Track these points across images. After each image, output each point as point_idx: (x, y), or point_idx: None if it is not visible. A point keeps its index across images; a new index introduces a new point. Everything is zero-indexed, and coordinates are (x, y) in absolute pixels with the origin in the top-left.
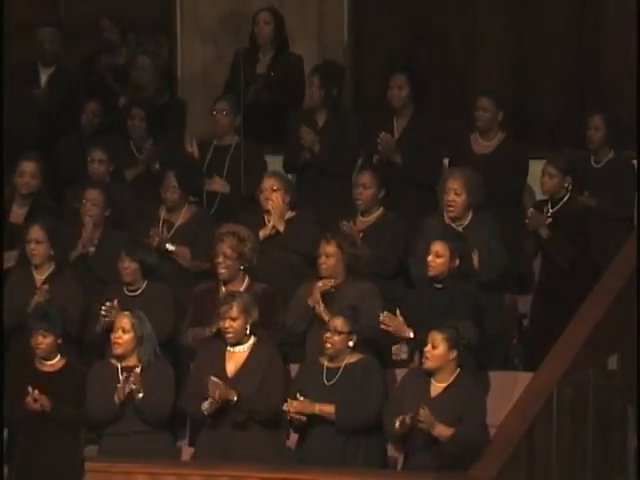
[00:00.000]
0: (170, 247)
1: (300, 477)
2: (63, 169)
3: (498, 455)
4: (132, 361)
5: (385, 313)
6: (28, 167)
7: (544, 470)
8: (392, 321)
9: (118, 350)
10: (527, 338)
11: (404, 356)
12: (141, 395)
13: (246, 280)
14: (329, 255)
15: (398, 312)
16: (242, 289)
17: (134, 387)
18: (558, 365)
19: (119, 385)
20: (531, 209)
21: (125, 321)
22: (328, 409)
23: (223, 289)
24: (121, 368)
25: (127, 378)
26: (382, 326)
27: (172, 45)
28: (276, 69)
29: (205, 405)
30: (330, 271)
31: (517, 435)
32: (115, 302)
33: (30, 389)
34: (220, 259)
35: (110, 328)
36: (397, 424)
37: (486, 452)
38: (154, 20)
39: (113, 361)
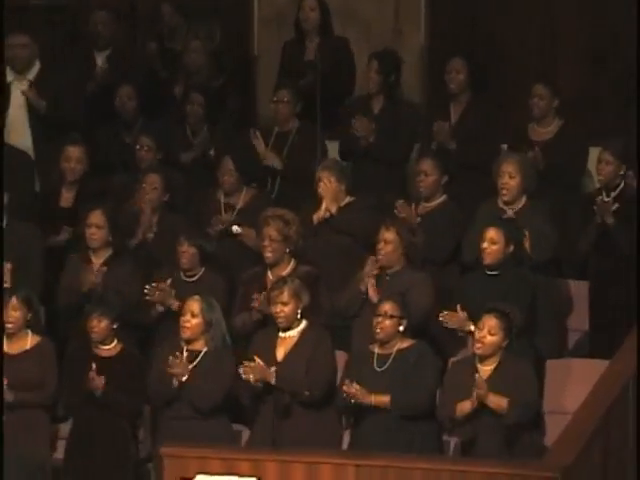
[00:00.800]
0: (237, 229)
1: (374, 463)
2: (108, 154)
3: (573, 442)
4: (199, 345)
5: (445, 313)
6: (74, 152)
7: (619, 457)
8: (452, 317)
9: (186, 333)
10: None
11: None
12: (184, 378)
13: (291, 263)
14: (388, 242)
15: (459, 308)
16: (287, 272)
17: (177, 370)
18: (635, 352)
19: (170, 362)
20: (600, 197)
21: (195, 305)
22: (383, 399)
23: (269, 273)
24: (187, 350)
25: (179, 357)
26: (443, 324)
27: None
28: (324, 54)
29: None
30: (388, 258)
31: (593, 422)
32: (161, 284)
33: (93, 366)
34: (266, 242)
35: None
36: (459, 409)
37: (561, 439)
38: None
39: (181, 343)
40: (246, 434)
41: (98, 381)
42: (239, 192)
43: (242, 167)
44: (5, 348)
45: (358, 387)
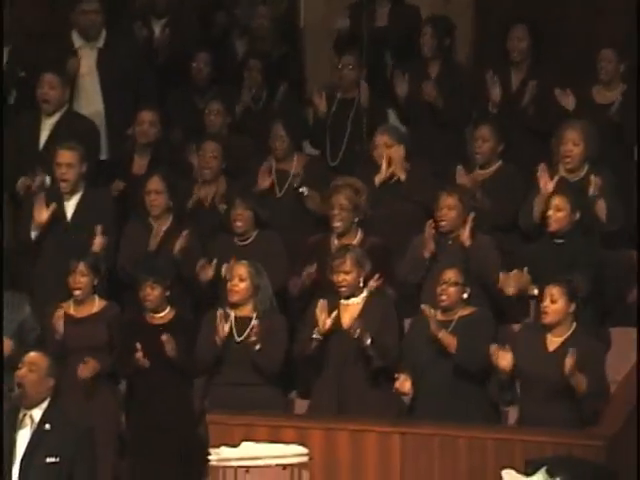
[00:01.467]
0: (305, 191)
1: (419, 431)
2: (177, 120)
3: (619, 411)
4: (247, 310)
5: (513, 272)
6: (147, 116)
7: None
8: (515, 278)
9: (234, 298)
10: None
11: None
12: (258, 347)
13: (359, 233)
14: (450, 207)
15: (525, 270)
16: (355, 242)
17: (253, 339)
18: None
19: (222, 330)
20: None
21: (242, 270)
22: (451, 340)
23: (336, 241)
24: (235, 317)
25: (226, 318)
26: (506, 287)
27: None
28: (394, 21)
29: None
30: (451, 224)
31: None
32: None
33: (138, 345)
34: (336, 211)
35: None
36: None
37: (607, 408)
38: None
39: (227, 309)
40: (298, 402)
41: (170, 346)
42: (291, 157)
43: (294, 133)
44: (72, 312)
45: (432, 320)
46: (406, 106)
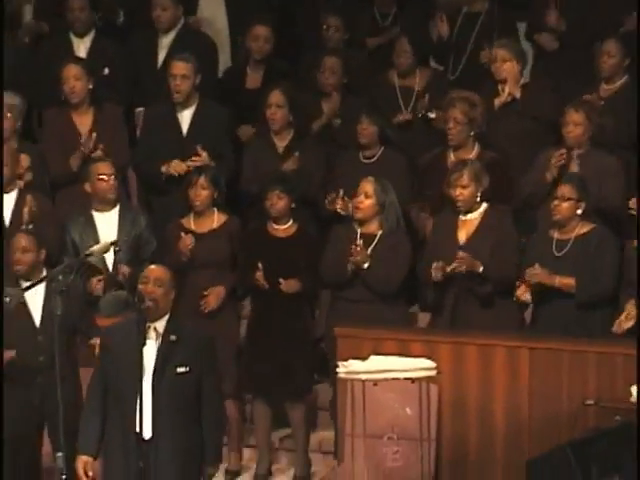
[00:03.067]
0: (432, 114)
1: (548, 346)
2: (297, 34)
3: None
4: (372, 228)
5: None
6: (261, 30)
7: None
8: None
9: (358, 214)
10: None
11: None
12: (366, 265)
13: (476, 147)
14: (577, 124)
15: None
16: (472, 156)
17: (358, 258)
18: None
19: (352, 250)
20: None
21: (368, 186)
22: (568, 281)
23: (452, 156)
24: (360, 233)
25: (360, 246)
26: (630, 210)
27: None
28: None
29: (437, 274)
30: (576, 140)
31: None
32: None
33: (260, 265)
34: (451, 124)
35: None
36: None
37: None
38: None
39: (354, 225)
40: (422, 317)
41: (290, 285)
42: (414, 73)
43: (419, 48)
44: (192, 227)
45: (540, 269)
46: (531, 22)
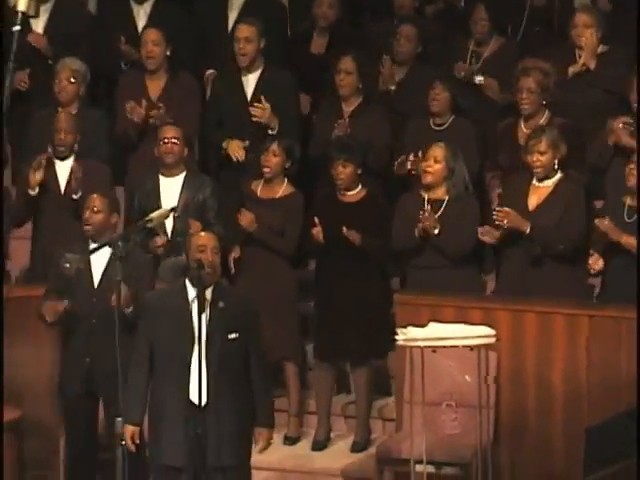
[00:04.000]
0: (479, 79)
1: (607, 314)
2: (365, 1)
3: None
4: (439, 193)
5: None
6: None
7: None
8: None
9: (427, 179)
10: None
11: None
12: (437, 231)
13: (546, 114)
14: None
15: None
16: (542, 122)
17: (428, 224)
18: None
19: (421, 217)
20: None
21: (438, 151)
22: (633, 241)
23: (523, 125)
24: (428, 199)
25: (429, 211)
26: None
27: None
28: None
29: (488, 236)
30: None
31: None
32: (412, 157)
33: (317, 219)
34: (524, 94)
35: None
36: None
37: None
38: None
39: (421, 192)
40: (490, 284)
41: (353, 235)
42: (489, 40)
43: (495, 15)
44: (258, 192)
45: (609, 223)
46: None
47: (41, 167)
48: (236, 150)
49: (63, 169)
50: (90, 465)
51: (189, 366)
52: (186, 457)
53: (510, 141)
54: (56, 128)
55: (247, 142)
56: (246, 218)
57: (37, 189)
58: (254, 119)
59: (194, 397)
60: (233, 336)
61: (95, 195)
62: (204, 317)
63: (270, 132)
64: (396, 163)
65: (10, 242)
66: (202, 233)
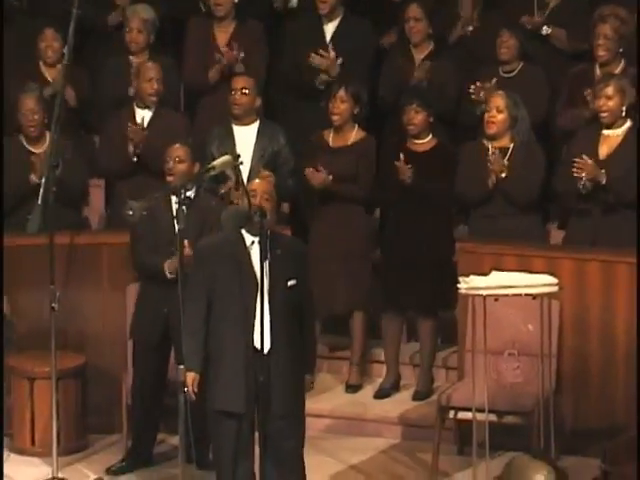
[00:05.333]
0: (546, 29)
1: None
2: None
3: None
4: (504, 142)
5: None
6: None
7: None
8: None
9: (491, 129)
10: None
11: None
12: (504, 175)
13: (622, 64)
14: None
15: None
16: (617, 71)
17: (496, 167)
18: None
19: (489, 165)
20: None
21: (499, 101)
22: None
23: (598, 71)
24: (492, 148)
25: (496, 158)
26: None
27: None
28: None
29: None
30: None
31: None
32: (487, 84)
33: (402, 156)
34: (600, 41)
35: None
36: None
37: None
38: None
39: (485, 141)
40: (554, 233)
41: (406, 172)
42: None
43: None
44: (330, 142)
45: None
46: None
47: (137, 136)
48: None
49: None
50: (156, 411)
51: (253, 312)
52: (246, 403)
53: (584, 87)
54: (146, 77)
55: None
56: (317, 178)
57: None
58: (313, 64)
59: (257, 343)
60: (292, 283)
61: (177, 145)
62: (266, 264)
63: (326, 78)
64: (471, 89)
65: (89, 190)
66: (257, 180)
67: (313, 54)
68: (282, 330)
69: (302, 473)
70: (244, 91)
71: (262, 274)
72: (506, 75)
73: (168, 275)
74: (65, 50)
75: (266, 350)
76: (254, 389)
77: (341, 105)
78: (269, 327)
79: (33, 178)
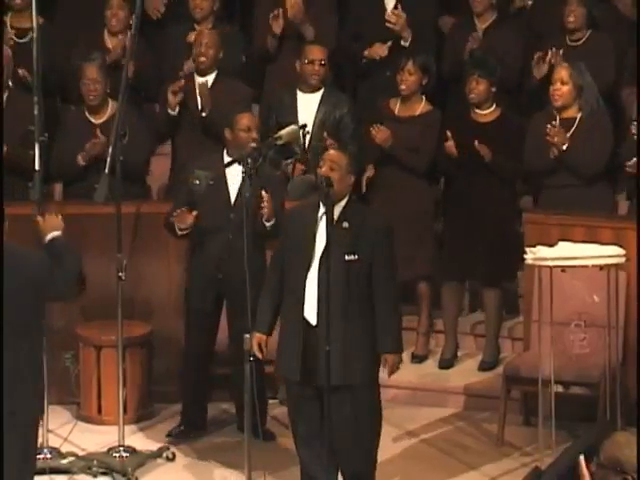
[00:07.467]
0: None
1: None
2: None
3: None
4: (572, 112)
5: None
6: None
7: None
8: None
9: (558, 102)
10: None
11: None
12: (565, 147)
13: None
14: None
15: None
16: None
17: (556, 139)
18: None
19: (548, 138)
20: None
21: (563, 73)
22: None
23: None
24: (560, 119)
25: (555, 131)
26: None
27: None
28: None
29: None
30: None
31: None
32: (552, 53)
33: (449, 133)
34: None
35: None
36: None
37: None
38: None
39: (553, 112)
40: (622, 204)
41: (483, 150)
42: None
43: None
44: (396, 111)
45: None
46: None
47: (180, 90)
48: (379, 48)
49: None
50: (205, 378)
51: (303, 284)
52: (301, 372)
53: None
54: (199, 42)
55: (389, 42)
56: (382, 134)
57: (177, 109)
58: (388, 25)
59: (308, 315)
60: (350, 257)
61: (245, 114)
62: (323, 235)
63: (402, 43)
64: (534, 61)
65: (151, 159)
66: (332, 151)
67: (389, 12)
68: (337, 305)
69: (365, 442)
70: (322, 62)
71: (313, 244)
72: (573, 44)
73: (177, 231)
74: (132, 20)
75: (314, 322)
76: (308, 359)
77: (409, 77)
78: (316, 300)
79: (80, 160)
